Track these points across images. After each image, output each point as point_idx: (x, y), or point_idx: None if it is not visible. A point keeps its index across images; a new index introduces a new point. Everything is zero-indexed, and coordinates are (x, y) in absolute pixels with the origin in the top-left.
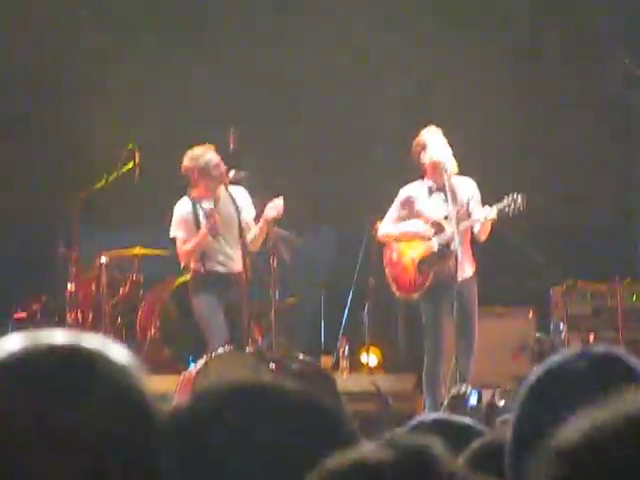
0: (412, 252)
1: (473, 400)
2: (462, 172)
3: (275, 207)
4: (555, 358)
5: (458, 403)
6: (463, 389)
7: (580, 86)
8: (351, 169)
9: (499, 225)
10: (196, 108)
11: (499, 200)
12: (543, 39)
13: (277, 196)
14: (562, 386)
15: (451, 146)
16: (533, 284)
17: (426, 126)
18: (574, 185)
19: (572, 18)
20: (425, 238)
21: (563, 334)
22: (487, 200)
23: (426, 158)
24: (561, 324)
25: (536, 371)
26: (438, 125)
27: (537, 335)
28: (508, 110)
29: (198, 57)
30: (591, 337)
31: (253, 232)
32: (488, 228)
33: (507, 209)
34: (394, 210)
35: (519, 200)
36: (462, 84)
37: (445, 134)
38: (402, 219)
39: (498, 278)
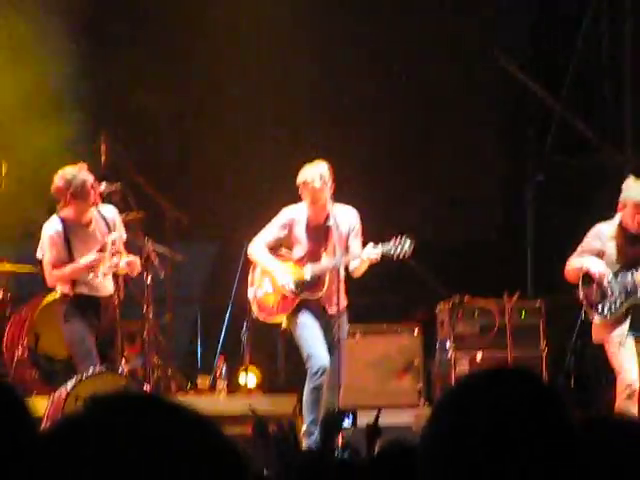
0: (283, 276)
1: (347, 423)
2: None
3: (131, 263)
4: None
5: (332, 422)
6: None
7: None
8: (230, 179)
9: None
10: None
11: (383, 239)
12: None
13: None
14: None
15: (335, 176)
16: (419, 300)
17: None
18: (461, 199)
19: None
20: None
21: (449, 352)
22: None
23: (302, 187)
24: (447, 342)
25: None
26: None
27: None
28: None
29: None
30: (478, 356)
31: (124, 259)
32: (365, 267)
33: (392, 252)
34: (272, 230)
35: (406, 244)
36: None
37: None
38: (279, 241)
39: (384, 294)
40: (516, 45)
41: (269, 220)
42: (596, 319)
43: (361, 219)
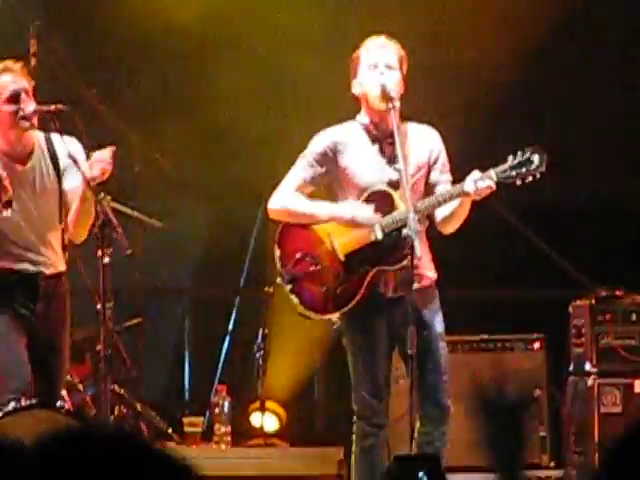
0: (334, 238)
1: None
2: (421, 117)
3: (99, 161)
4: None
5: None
6: (406, 466)
7: None
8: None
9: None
10: None
11: (492, 163)
12: None
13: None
14: None
15: (410, 68)
16: (541, 297)
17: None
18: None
19: None
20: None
21: (591, 378)
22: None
23: (357, 87)
24: (587, 362)
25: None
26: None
27: None
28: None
29: None
30: (638, 385)
31: (73, 209)
32: (466, 213)
33: (515, 173)
34: (303, 168)
35: (535, 159)
36: None
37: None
38: (316, 183)
39: (484, 289)
40: None
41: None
42: None
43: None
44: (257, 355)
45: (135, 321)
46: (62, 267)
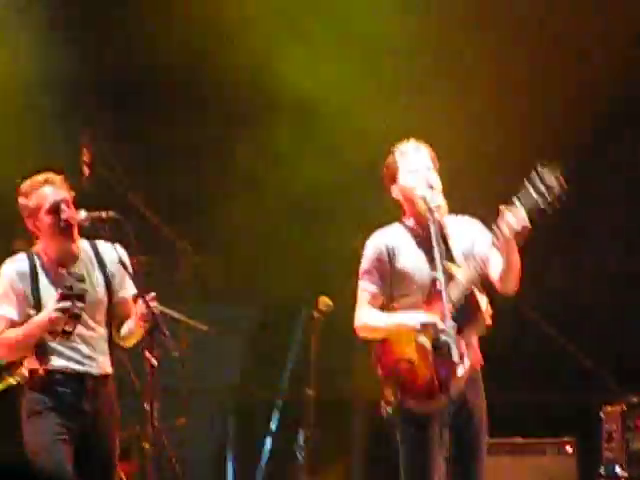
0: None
1: None
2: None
3: (141, 314)
4: None
5: None
6: None
7: None
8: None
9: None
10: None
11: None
12: None
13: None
14: None
15: (441, 170)
16: (574, 401)
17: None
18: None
19: None
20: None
21: None
22: None
23: (398, 190)
24: (617, 467)
25: None
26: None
27: None
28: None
29: None
30: None
31: (126, 327)
32: (516, 253)
33: (536, 196)
34: (366, 281)
35: (546, 176)
36: None
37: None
38: (385, 288)
39: (517, 391)
40: None
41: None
42: None
43: None
44: (299, 455)
45: (180, 421)
46: (109, 369)
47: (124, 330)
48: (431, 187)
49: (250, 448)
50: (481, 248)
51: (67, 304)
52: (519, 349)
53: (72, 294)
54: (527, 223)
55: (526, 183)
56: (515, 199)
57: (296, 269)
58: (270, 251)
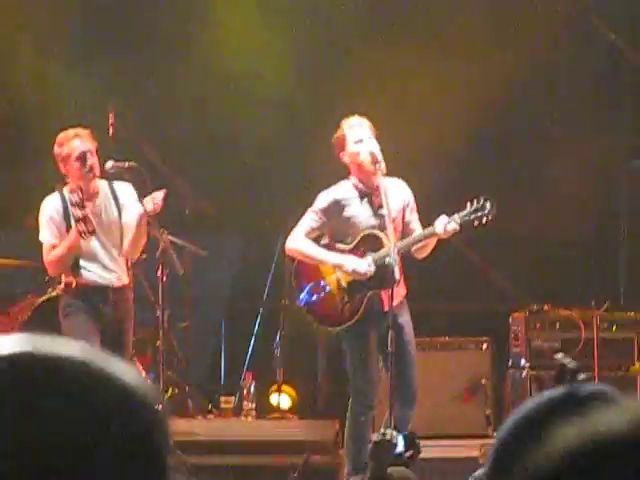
0: (337, 272)
1: (400, 447)
2: (390, 172)
3: (154, 198)
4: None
5: (382, 451)
6: (388, 435)
7: None
8: (262, 166)
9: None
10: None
11: (454, 207)
12: None
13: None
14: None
15: (379, 139)
16: (488, 309)
17: (347, 116)
18: (536, 188)
19: None
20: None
21: (524, 372)
22: (429, 208)
23: (347, 156)
24: (522, 359)
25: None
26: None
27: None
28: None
29: None
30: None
31: (129, 234)
32: (433, 243)
33: (473, 218)
34: (313, 218)
35: (487, 206)
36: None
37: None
38: (323, 230)
39: (443, 302)
40: (611, 12)
41: (307, 208)
42: None
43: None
44: (276, 351)
45: (185, 324)
46: (126, 280)
47: (128, 238)
48: (373, 153)
49: (238, 348)
50: (412, 217)
51: (79, 212)
52: (447, 268)
53: (79, 204)
54: (456, 232)
55: (468, 206)
56: (456, 216)
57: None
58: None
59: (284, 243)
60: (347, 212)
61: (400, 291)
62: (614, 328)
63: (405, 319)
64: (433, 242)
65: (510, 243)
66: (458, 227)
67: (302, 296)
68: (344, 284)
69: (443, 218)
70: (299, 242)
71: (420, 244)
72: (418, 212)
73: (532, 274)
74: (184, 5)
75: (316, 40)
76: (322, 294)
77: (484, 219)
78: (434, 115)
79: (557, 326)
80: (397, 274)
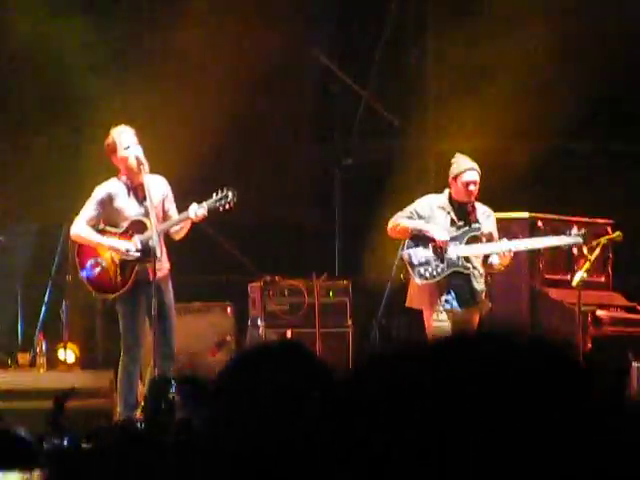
0: (111, 252)
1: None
2: (156, 170)
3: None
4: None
5: (160, 387)
6: (165, 374)
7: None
8: (54, 168)
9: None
10: None
11: (203, 197)
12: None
13: None
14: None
15: (143, 143)
16: (231, 280)
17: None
18: (274, 182)
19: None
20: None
21: (261, 330)
22: (184, 197)
23: (117, 158)
24: (259, 319)
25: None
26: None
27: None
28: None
29: None
30: (288, 333)
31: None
32: (188, 226)
33: (218, 205)
34: (91, 209)
35: (229, 195)
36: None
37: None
38: (99, 218)
39: (195, 274)
40: (325, 32)
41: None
42: (417, 281)
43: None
44: (62, 315)
45: None
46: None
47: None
48: (138, 157)
49: (33, 315)
50: (170, 205)
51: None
52: (199, 247)
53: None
54: (205, 214)
55: (214, 195)
56: (204, 203)
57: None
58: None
59: (69, 229)
60: (117, 203)
61: (164, 265)
62: (331, 294)
63: (168, 288)
64: (187, 225)
65: (251, 226)
66: (206, 212)
67: (85, 272)
68: (117, 260)
69: (194, 205)
70: (80, 229)
71: (177, 227)
72: (175, 201)
73: (268, 252)
74: None
75: None
76: (100, 269)
77: (227, 205)
78: (188, 123)
79: (286, 293)
80: (158, 252)
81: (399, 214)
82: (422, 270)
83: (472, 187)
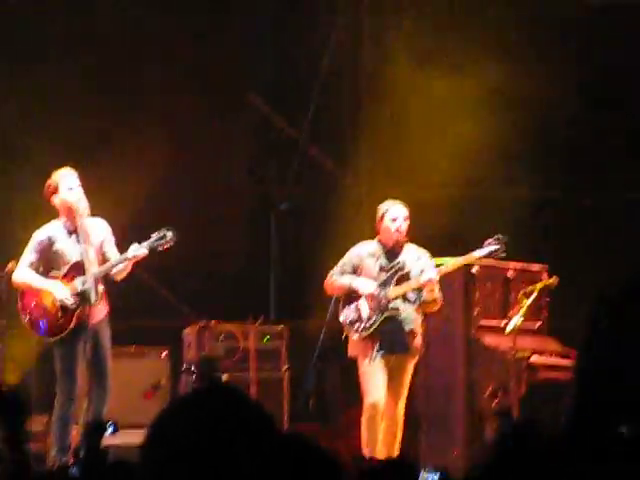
0: (52, 295)
1: (110, 429)
2: (94, 212)
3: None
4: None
5: (93, 432)
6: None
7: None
8: None
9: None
10: None
11: (145, 238)
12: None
13: None
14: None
15: (85, 187)
16: (166, 325)
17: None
18: (210, 227)
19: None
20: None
21: (195, 374)
22: (128, 237)
23: (58, 200)
24: (193, 365)
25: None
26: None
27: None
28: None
29: None
30: (224, 377)
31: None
32: (129, 268)
33: (157, 244)
34: (30, 253)
35: (169, 235)
36: None
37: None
38: (39, 262)
39: (131, 319)
40: (260, 75)
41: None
42: (354, 337)
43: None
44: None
45: None
46: None
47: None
48: (79, 199)
49: None
50: (109, 248)
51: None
52: (135, 290)
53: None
54: (145, 256)
55: (153, 236)
56: (145, 243)
57: None
58: None
59: (10, 276)
60: (56, 246)
61: (102, 309)
62: (266, 339)
63: (105, 332)
64: (129, 266)
65: (189, 272)
66: (147, 251)
67: (27, 315)
68: (57, 304)
69: (134, 246)
70: (23, 275)
71: (117, 268)
72: (117, 243)
73: (203, 296)
74: None
75: None
76: (41, 312)
77: (166, 245)
78: (133, 166)
79: (221, 338)
80: (93, 296)
81: (334, 270)
82: (356, 327)
83: (399, 222)
